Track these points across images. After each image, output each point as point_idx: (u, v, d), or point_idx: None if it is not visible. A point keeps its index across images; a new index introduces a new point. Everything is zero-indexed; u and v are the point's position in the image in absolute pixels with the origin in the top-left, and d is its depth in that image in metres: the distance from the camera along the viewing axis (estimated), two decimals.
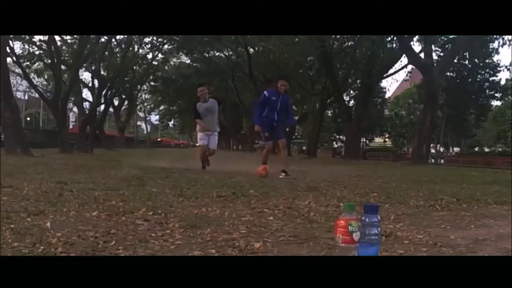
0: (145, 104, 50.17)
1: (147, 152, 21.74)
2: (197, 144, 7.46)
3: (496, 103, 34.53)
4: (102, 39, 21.56)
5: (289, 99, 6.66)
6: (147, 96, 45.46)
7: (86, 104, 25.60)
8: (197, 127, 7.17)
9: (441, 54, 22.62)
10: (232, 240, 1.81)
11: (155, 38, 23.88)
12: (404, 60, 19.48)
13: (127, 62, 24.94)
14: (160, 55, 27.86)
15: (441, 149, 33.01)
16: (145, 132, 64.49)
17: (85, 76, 46.83)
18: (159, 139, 69.13)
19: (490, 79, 29.20)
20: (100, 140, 26.58)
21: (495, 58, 33.91)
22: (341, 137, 35.18)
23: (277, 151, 6.53)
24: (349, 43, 20.13)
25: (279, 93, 6.20)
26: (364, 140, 35.54)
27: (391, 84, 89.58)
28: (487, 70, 28.90)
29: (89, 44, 19.09)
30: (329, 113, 31.45)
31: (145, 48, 26.62)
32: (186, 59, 31.10)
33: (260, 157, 6.31)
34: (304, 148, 22.26)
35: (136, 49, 26.84)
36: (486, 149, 36.56)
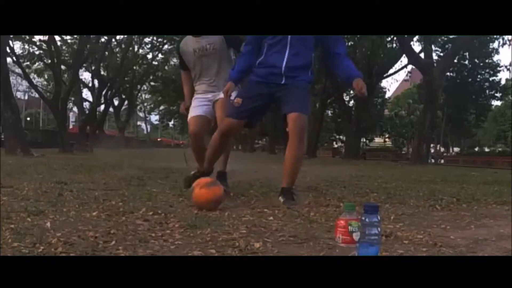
0: (145, 104, 50.20)
1: (147, 152, 21.72)
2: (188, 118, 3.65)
3: (496, 103, 34.68)
4: (102, 39, 21.58)
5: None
6: (147, 96, 45.48)
7: (86, 104, 25.63)
8: (184, 88, 3.76)
9: (441, 54, 22.67)
10: (232, 240, 1.81)
11: (155, 38, 23.89)
12: (404, 60, 19.54)
13: (127, 62, 24.96)
14: (160, 55, 27.90)
15: (441, 149, 33.01)
16: (145, 132, 64.50)
17: (85, 76, 47.09)
18: (159, 139, 69.15)
19: (490, 79, 29.31)
20: (100, 140, 26.57)
21: (495, 58, 34.17)
22: (341, 137, 35.19)
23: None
24: (349, 43, 20.15)
25: None
26: (364, 140, 35.54)
27: (391, 84, 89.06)
28: (487, 70, 29.01)
29: (89, 44, 19.08)
30: (329, 113, 31.45)
31: (145, 48, 26.69)
32: None
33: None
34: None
35: (136, 49, 26.88)
36: (486, 149, 36.55)
